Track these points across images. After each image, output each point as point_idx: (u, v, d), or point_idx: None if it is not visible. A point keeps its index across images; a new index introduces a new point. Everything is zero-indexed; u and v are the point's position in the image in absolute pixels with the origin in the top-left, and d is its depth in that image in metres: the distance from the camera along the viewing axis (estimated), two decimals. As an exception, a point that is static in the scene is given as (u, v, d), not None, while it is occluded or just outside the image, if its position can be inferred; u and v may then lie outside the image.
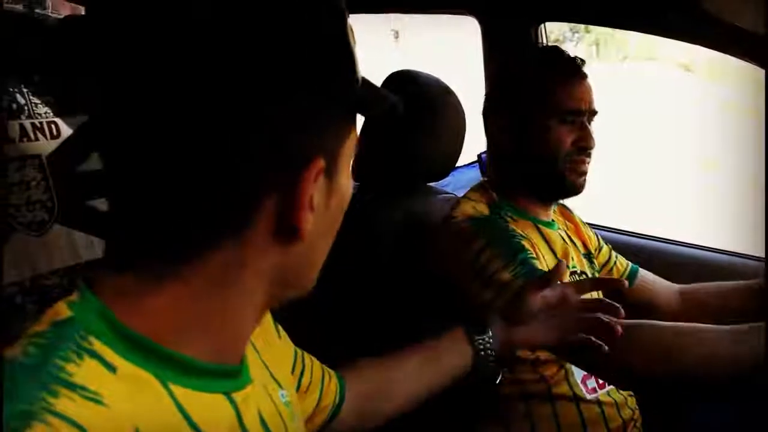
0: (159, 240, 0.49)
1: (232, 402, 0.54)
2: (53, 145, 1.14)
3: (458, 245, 1.18)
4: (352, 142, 0.55)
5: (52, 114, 1.14)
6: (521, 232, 1.23)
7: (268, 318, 0.75)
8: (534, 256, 1.18)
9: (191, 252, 0.49)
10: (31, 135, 1.13)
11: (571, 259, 1.31)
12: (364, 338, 1.21)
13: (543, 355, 1.19)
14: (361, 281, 1.33)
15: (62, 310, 0.48)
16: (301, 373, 0.81)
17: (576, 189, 1.28)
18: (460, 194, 1.37)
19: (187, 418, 0.49)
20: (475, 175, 2.14)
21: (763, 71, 1.30)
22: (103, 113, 0.48)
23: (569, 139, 1.24)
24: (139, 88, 0.45)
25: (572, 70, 1.26)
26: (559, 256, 1.29)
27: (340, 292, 1.23)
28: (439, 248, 1.25)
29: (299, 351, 0.82)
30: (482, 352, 0.94)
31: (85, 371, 0.45)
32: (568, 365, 1.21)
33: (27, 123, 1.13)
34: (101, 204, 1.18)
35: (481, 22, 1.78)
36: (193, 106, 0.45)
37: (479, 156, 2.02)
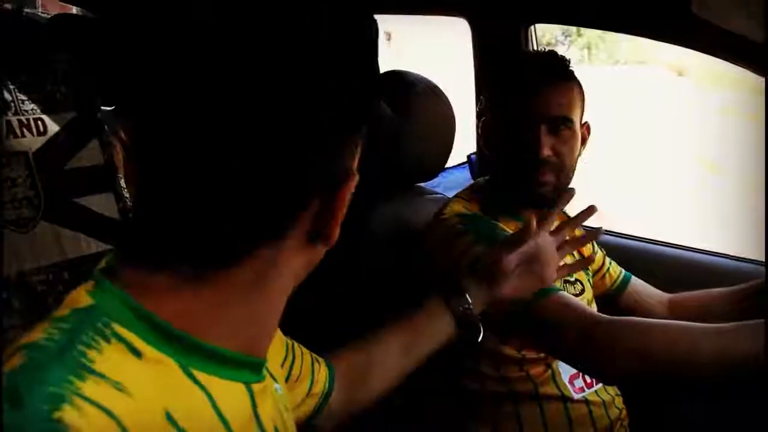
0: (200, 245, 0.49)
1: (251, 392, 0.56)
2: (40, 141, 1.14)
3: (447, 241, 1.17)
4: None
5: (39, 111, 1.14)
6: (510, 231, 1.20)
7: None
8: None
9: (230, 258, 0.50)
10: (18, 132, 1.13)
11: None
12: (352, 339, 1.21)
13: (530, 354, 1.20)
14: (348, 283, 1.33)
15: (82, 297, 0.49)
16: (291, 364, 0.82)
17: (540, 201, 1.21)
18: (451, 195, 1.37)
19: (211, 401, 0.50)
20: (464, 176, 2.15)
21: (755, 76, 1.31)
22: (159, 119, 0.48)
23: (542, 147, 1.18)
24: (202, 96, 0.47)
25: (550, 73, 1.21)
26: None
27: (329, 293, 1.23)
28: (428, 245, 1.24)
29: (289, 342, 0.84)
30: (462, 315, 0.96)
31: (108, 357, 0.45)
32: (555, 365, 1.21)
33: (14, 120, 1.13)
34: (88, 201, 1.18)
35: (471, 25, 1.78)
36: (252, 121, 0.47)
37: (469, 157, 2.03)
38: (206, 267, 0.50)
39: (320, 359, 0.89)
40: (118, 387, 0.44)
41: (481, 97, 1.37)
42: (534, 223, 0.99)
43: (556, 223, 1.27)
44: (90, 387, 0.43)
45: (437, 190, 1.84)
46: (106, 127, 1.24)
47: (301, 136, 0.49)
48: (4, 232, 1.09)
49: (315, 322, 1.31)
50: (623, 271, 1.47)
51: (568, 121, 1.21)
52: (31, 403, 0.41)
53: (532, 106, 1.19)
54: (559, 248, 1.05)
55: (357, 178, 0.54)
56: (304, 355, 0.86)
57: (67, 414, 0.41)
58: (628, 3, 1.46)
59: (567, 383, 1.22)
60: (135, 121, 0.50)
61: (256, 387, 0.57)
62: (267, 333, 0.58)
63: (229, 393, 0.53)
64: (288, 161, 0.48)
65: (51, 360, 0.44)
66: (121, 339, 0.47)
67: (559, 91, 1.21)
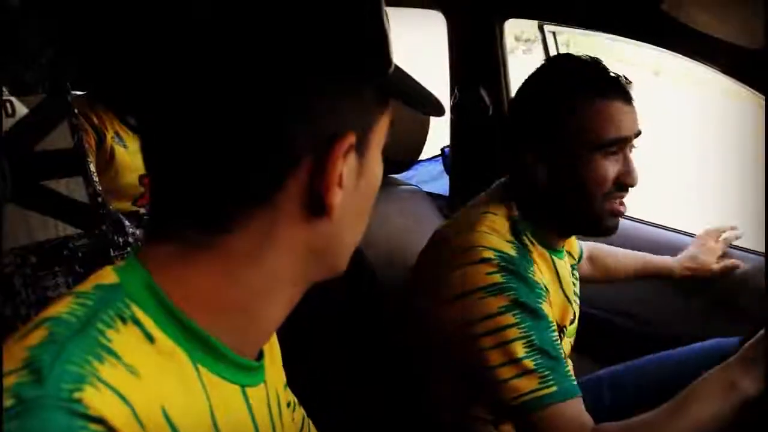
0: (195, 208, 0.50)
1: (246, 397, 0.56)
2: (8, 124, 1.13)
3: (476, 289, 1.03)
4: (383, 127, 0.56)
5: (7, 93, 1.13)
6: (537, 275, 1.09)
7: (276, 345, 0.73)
8: (554, 330, 1.06)
9: (225, 220, 0.50)
10: (-15, 113, 1.12)
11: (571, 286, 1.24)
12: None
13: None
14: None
15: (109, 274, 0.50)
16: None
17: (610, 231, 1.14)
18: (424, 188, 1.37)
19: (209, 403, 0.51)
20: (437, 169, 2.16)
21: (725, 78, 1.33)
22: (139, 86, 0.50)
23: (610, 175, 1.06)
24: (174, 59, 0.47)
25: (615, 91, 1.07)
26: (564, 286, 1.20)
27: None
28: (443, 278, 1.08)
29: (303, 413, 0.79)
30: None
31: (124, 338, 0.46)
32: None
33: (-19, 101, 1.12)
34: (56, 184, 1.17)
35: (447, 17, 1.80)
36: (227, 76, 0.47)
37: (443, 150, 2.05)
38: (203, 232, 0.50)
39: None
40: (131, 370, 0.45)
41: (455, 90, 1.38)
42: None
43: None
44: (107, 369, 0.44)
45: (411, 182, 1.86)
46: (76, 110, 1.23)
47: (276, 81, 0.47)
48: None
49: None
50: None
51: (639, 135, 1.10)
52: (53, 381, 0.41)
53: (617, 128, 1.06)
54: None
55: (351, 137, 0.50)
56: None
57: (88, 395, 0.42)
58: (601, 1, 1.48)
59: None
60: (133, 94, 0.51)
61: (251, 392, 0.56)
62: (266, 326, 0.57)
63: (227, 396, 0.53)
64: (265, 110, 0.47)
65: (72, 336, 0.44)
66: (136, 322, 0.47)
67: (633, 106, 1.09)
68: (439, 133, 1.74)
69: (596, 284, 1.54)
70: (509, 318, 1.01)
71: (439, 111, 0.61)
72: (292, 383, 0.74)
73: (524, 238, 1.12)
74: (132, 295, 0.48)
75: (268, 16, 0.47)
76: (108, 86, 2.05)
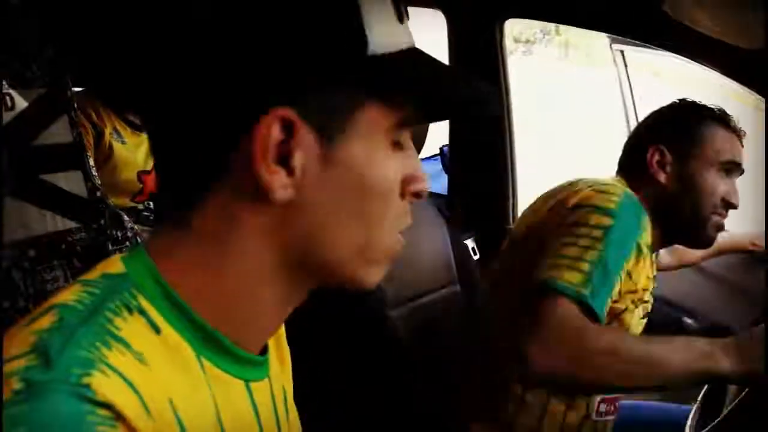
0: (168, 187, 0.53)
1: (249, 391, 0.55)
2: (8, 117, 1.13)
3: (590, 204, 1.16)
4: (379, 122, 0.51)
5: (6, 86, 1.13)
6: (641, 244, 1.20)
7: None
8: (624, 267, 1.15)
9: (191, 195, 0.51)
10: (-15, 107, 1.11)
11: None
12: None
13: None
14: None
15: (116, 263, 0.50)
16: None
17: (708, 243, 1.32)
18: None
19: (213, 397, 0.50)
20: (436, 168, 2.16)
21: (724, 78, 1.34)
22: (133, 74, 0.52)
23: (720, 191, 1.26)
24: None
25: (735, 128, 1.30)
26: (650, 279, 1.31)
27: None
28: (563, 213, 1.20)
29: None
30: None
31: (132, 327, 0.46)
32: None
33: (-19, 95, 1.12)
34: (55, 178, 1.17)
35: (447, 17, 1.80)
36: (177, 55, 0.49)
37: (441, 149, 2.05)
38: (178, 210, 0.51)
39: None
40: (139, 358, 0.45)
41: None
42: None
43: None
44: (115, 356, 0.43)
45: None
46: (75, 105, 1.22)
47: (217, 54, 0.48)
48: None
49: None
50: None
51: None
52: (62, 365, 0.41)
53: (733, 154, 1.28)
54: None
55: (286, 113, 0.47)
56: None
57: (96, 380, 0.41)
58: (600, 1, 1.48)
59: (596, 404, 1.27)
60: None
61: (255, 387, 0.56)
62: (261, 324, 0.55)
63: (230, 390, 0.53)
64: (205, 84, 0.48)
65: (81, 323, 0.44)
66: (142, 312, 0.47)
67: (742, 144, 1.32)
68: (437, 132, 1.74)
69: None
70: (599, 233, 1.11)
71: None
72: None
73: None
74: (138, 286, 0.49)
75: None
76: (107, 83, 2.05)
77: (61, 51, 1.22)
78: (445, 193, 2.08)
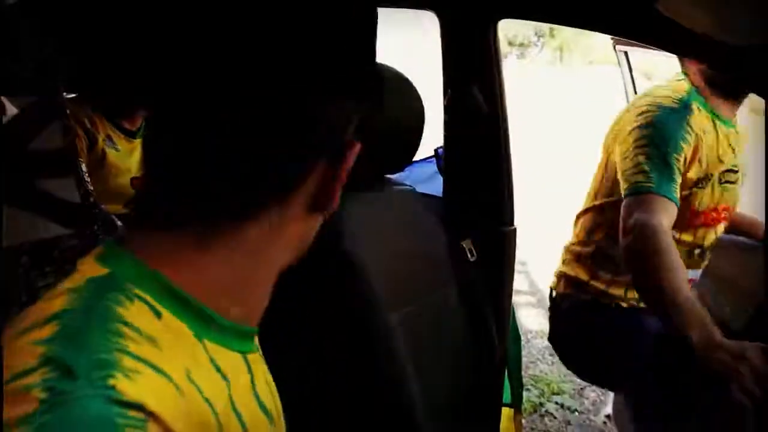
0: (216, 198, 0.51)
1: (247, 363, 0.58)
2: (-1, 123, 1.12)
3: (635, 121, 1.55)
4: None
5: (-3, 92, 1.12)
6: (695, 129, 1.53)
7: None
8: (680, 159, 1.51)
9: (241, 215, 0.52)
10: (-24, 112, 1.11)
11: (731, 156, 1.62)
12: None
13: None
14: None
15: (94, 267, 0.50)
16: None
17: None
18: (418, 189, 1.39)
19: (218, 370, 0.52)
20: (431, 170, 2.15)
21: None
22: (172, 79, 0.50)
23: None
24: (213, 51, 0.48)
25: None
26: (726, 148, 1.61)
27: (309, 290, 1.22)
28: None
29: None
30: None
31: (136, 313, 0.47)
32: None
33: (-28, 101, 1.11)
34: (47, 184, 1.16)
35: (440, 18, 1.79)
36: (261, 84, 0.49)
37: (436, 151, 2.04)
38: (218, 222, 0.52)
39: None
40: (152, 341, 0.46)
41: (449, 90, 1.39)
42: None
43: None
44: (131, 344, 0.44)
45: (405, 183, 1.85)
46: (67, 111, 1.22)
47: (312, 95, 0.51)
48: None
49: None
50: None
51: None
52: (83, 371, 0.41)
53: None
54: None
55: (359, 146, 0.57)
56: None
57: (120, 381, 0.41)
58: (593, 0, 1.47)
59: None
60: (148, 83, 0.51)
61: (250, 358, 0.59)
62: (261, 302, 0.60)
63: (231, 363, 0.55)
64: (298, 119, 0.50)
65: (84, 325, 0.44)
66: (141, 299, 0.48)
67: None
68: (432, 134, 1.73)
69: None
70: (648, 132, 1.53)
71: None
72: (281, 380, 0.74)
73: (691, 103, 1.57)
74: (131, 279, 0.49)
75: (298, 31, 0.49)
76: (102, 90, 2.05)
77: (56, 55, 1.21)
78: (440, 194, 2.07)
